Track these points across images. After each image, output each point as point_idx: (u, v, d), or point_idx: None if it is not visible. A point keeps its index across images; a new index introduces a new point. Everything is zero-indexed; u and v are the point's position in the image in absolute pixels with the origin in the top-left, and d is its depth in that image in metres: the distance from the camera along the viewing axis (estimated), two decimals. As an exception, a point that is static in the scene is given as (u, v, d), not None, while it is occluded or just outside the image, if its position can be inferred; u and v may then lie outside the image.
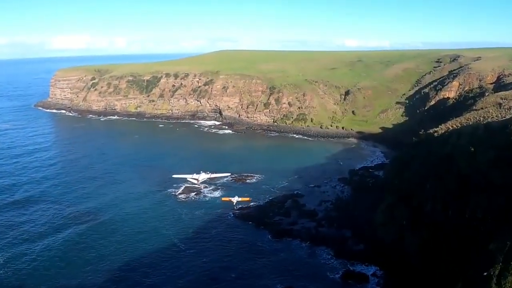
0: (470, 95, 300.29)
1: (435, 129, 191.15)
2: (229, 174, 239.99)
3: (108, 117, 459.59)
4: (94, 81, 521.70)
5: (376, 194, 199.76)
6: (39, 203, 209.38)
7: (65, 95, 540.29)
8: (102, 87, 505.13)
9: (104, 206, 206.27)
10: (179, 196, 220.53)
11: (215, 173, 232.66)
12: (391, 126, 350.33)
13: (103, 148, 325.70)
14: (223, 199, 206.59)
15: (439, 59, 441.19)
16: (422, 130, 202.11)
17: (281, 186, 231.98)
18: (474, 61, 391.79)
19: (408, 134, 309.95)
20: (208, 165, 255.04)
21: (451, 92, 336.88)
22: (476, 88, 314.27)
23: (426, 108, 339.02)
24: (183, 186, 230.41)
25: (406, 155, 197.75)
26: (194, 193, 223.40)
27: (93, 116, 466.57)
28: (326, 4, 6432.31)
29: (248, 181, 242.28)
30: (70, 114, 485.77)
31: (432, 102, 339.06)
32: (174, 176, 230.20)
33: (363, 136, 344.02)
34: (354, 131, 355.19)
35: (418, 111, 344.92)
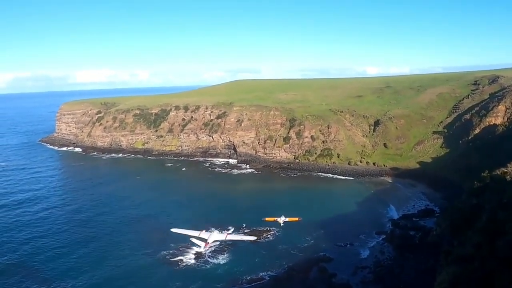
0: None
1: (504, 170, 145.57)
2: (255, 238, 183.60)
3: (113, 154, 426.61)
4: (99, 115, 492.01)
5: (426, 255, 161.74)
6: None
7: (70, 130, 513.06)
8: (107, 121, 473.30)
9: (78, 265, 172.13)
10: (174, 260, 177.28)
11: (234, 234, 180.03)
12: (429, 160, 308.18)
13: (98, 193, 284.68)
14: (267, 219, 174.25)
15: (476, 81, 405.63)
16: (486, 172, 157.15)
17: (303, 246, 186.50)
18: None
19: (451, 169, 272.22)
20: (214, 215, 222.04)
21: (497, 118, 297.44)
22: None
23: (470, 137, 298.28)
24: (182, 245, 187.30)
25: (467, 206, 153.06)
26: (194, 256, 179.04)
27: (97, 153, 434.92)
28: (345, 32, 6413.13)
29: (262, 238, 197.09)
30: (74, 150, 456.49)
31: (477, 131, 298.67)
32: (174, 230, 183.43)
33: (398, 174, 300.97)
34: (387, 168, 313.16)
35: (460, 141, 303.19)
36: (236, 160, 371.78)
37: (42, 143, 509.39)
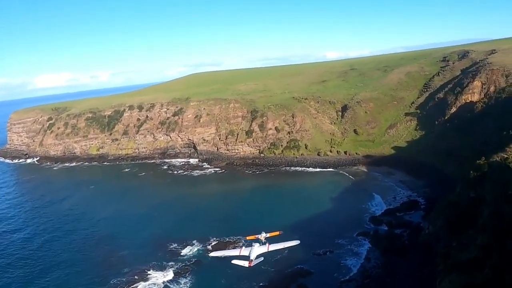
0: (503, 95, 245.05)
1: (504, 155, 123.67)
2: (298, 242, 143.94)
3: (66, 164, 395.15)
4: (50, 121, 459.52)
5: (420, 259, 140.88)
6: None
7: (22, 140, 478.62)
8: (58, 128, 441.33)
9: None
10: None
11: (274, 243, 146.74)
12: (405, 145, 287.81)
13: (49, 213, 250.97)
14: (248, 238, 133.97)
15: (445, 57, 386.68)
16: (483, 159, 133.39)
17: (275, 259, 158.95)
18: (489, 55, 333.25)
19: (429, 153, 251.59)
20: (174, 229, 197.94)
21: (474, 94, 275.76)
22: (508, 85, 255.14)
23: (446, 117, 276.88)
24: (139, 269, 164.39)
25: (463, 200, 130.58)
26: (152, 282, 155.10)
27: (50, 163, 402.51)
28: (303, 19, 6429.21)
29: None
30: (26, 162, 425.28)
31: (453, 110, 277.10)
32: (213, 254, 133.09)
33: (373, 161, 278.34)
34: (360, 156, 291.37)
35: (436, 122, 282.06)
36: (197, 159, 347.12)
37: None
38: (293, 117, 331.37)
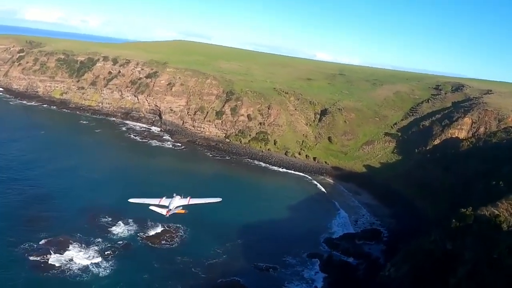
0: (493, 140, 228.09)
1: (495, 210, 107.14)
2: (220, 199, 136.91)
3: (25, 101, 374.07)
4: (21, 54, 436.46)
5: None
6: None
7: None
8: (27, 62, 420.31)
9: None
10: (37, 260, 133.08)
11: (197, 198, 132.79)
12: (378, 165, 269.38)
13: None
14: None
15: (438, 85, 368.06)
16: (470, 209, 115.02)
17: (210, 262, 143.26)
18: (485, 94, 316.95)
19: (403, 181, 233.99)
20: (110, 198, 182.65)
21: (461, 131, 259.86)
22: (500, 131, 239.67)
23: (428, 147, 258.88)
24: (44, 240, 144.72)
25: (438, 250, 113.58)
26: (70, 259, 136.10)
27: (9, 97, 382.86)
28: (302, 14, 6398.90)
29: (162, 241, 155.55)
30: None
31: (437, 141, 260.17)
32: (132, 200, 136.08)
33: (341, 175, 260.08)
34: (329, 166, 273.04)
35: (416, 150, 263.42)
36: (159, 129, 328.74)
37: None
38: (268, 109, 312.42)
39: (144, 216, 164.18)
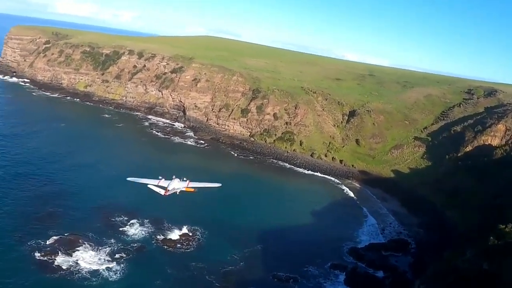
0: None
1: None
2: (219, 184, 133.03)
3: (49, 92, 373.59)
4: (47, 45, 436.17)
5: None
6: None
7: (14, 57, 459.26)
8: (52, 54, 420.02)
9: None
10: (45, 260, 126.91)
11: (196, 182, 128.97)
12: (407, 171, 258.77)
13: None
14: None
15: (470, 89, 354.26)
16: (510, 225, 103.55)
17: (226, 269, 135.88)
18: None
19: (432, 189, 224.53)
20: (126, 196, 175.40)
21: (495, 138, 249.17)
22: None
23: (459, 154, 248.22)
24: (54, 238, 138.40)
25: (473, 269, 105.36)
26: (62, 255, 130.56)
27: (33, 88, 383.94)
28: (331, 14, 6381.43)
29: (177, 244, 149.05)
30: (10, 80, 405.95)
31: (468, 148, 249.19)
32: (130, 179, 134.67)
33: (368, 180, 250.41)
34: (356, 169, 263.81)
35: (447, 156, 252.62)
36: (183, 125, 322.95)
37: None
38: (295, 108, 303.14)
39: (161, 216, 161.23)
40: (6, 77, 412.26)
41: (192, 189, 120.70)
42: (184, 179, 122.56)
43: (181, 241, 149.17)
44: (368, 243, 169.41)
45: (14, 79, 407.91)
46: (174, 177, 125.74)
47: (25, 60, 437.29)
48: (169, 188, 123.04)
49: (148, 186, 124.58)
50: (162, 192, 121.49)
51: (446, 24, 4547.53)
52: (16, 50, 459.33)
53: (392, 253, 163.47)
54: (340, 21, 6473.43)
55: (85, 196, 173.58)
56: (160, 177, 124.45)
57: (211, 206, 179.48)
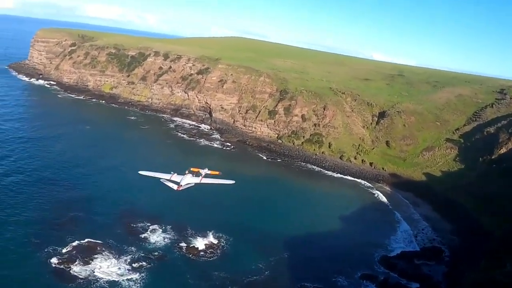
0: None
1: None
2: (233, 181, 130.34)
3: (74, 94, 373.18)
4: (73, 47, 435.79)
5: None
6: None
7: (41, 60, 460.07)
8: (78, 56, 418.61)
9: None
10: (55, 265, 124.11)
11: (209, 178, 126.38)
12: (439, 174, 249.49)
13: (26, 145, 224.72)
14: (192, 169, 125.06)
15: (502, 89, 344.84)
16: None
17: (251, 279, 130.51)
18: None
19: (466, 193, 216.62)
20: (148, 200, 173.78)
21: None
22: None
23: (493, 157, 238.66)
24: (72, 244, 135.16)
25: None
26: (80, 263, 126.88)
27: (59, 90, 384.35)
28: (358, 15, 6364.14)
29: (200, 252, 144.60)
30: (35, 83, 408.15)
31: (503, 150, 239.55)
32: (142, 173, 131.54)
33: (399, 183, 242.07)
34: (386, 172, 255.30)
35: (481, 159, 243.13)
36: (209, 127, 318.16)
37: (9, 69, 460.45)
38: (324, 109, 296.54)
39: (184, 222, 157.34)
40: (32, 80, 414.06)
41: (217, 172, 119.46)
42: (204, 175, 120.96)
43: (204, 249, 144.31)
44: (400, 251, 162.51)
45: (41, 81, 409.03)
46: (187, 172, 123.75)
47: (51, 63, 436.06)
48: (182, 184, 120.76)
49: (161, 180, 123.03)
50: (175, 187, 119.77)
51: (473, 23, 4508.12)
52: (43, 52, 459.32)
53: (425, 261, 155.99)
54: (367, 21, 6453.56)
55: (108, 200, 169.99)
56: (172, 172, 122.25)
57: (236, 210, 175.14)
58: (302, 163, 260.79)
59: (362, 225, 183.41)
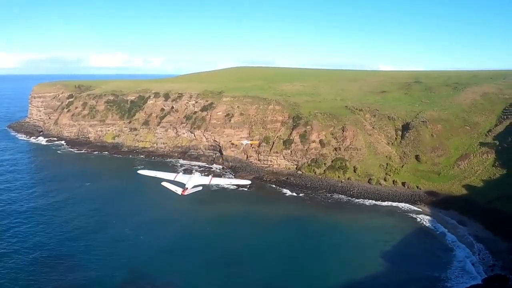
0: None
1: None
2: (249, 182, 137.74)
3: (75, 149, 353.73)
4: (70, 99, 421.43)
5: None
6: None
7: (40, 116, 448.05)
8: (76, 107, 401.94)
9: None
10: None
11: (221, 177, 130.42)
12: (480, 184, 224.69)
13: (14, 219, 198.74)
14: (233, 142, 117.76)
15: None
16: None
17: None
18: None
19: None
20: (155, 262, 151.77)
21: None
22: None
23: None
24: None
25: None
26: None
27: (59, 146, 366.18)
28: (360, 28, 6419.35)
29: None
30: (36, 141, 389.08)
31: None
32: (141, 172, 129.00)
33: (438, 201, 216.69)
34: (422, 191, 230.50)
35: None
36: (221, 166, 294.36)
37: (8, 129, 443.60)
38: (343, 131, 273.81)
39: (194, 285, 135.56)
40: (31, 138, 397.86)
41: (257, 142, 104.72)
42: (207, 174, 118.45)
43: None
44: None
45: (40, 139, 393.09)
46: (194, 171, 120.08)
47: (49, 118, 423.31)
48: (188, 186, 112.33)
49: (162, 184, 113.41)
50: (179, 191, 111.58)
51: (478, 20, 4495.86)
52: (41, 108, 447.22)
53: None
54: (370, 34, 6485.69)
55: (107, 262, 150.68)
56: (177, 171, 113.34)
57: (265, 260, 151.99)
58: (328, 193, 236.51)
59: (410, 259, 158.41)
